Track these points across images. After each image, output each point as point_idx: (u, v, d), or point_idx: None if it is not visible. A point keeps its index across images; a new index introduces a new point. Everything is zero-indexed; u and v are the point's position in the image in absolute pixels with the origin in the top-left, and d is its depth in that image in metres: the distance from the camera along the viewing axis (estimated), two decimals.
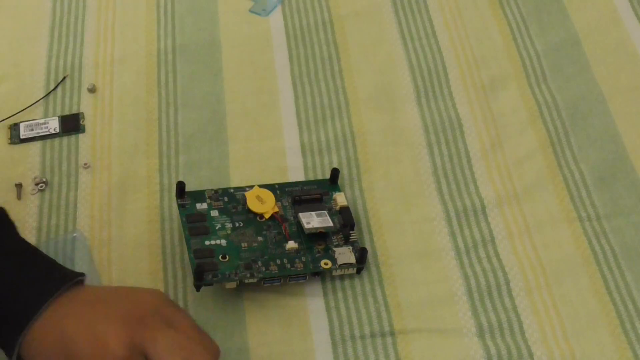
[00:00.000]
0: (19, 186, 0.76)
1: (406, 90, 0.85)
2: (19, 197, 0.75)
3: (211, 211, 0.72)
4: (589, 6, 0.92)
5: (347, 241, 0.72)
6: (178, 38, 0.87)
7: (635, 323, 0.70)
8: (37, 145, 0.79)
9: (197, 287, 0.68)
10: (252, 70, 0.85)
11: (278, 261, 0.70)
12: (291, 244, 0.70)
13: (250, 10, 0.90)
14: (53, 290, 0.59)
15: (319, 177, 0.78)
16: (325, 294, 0.71)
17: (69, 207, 0.75)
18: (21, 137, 0.79)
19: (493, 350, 0.68)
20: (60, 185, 0.77)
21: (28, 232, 0.73)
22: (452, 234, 0.75)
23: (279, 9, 0.91)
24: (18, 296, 0.59)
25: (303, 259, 0.70)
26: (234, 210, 0.72)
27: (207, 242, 0.70)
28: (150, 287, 0.64)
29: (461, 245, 0.74)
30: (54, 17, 0.88)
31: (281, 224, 0.72)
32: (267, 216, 0.72)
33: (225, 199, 0.73)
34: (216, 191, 0.73)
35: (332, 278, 0.72)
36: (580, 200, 0.77)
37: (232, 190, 0.74)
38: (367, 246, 0.73)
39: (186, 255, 0.71)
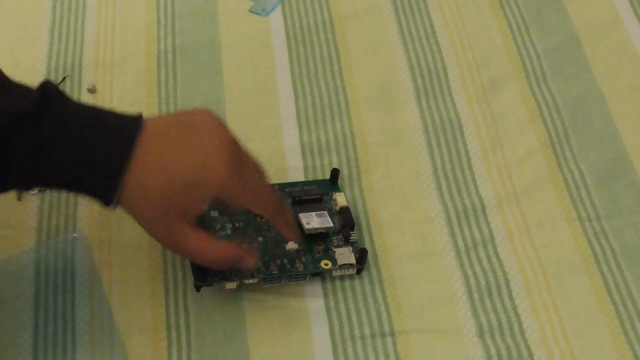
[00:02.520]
0: None
1: (406, 91, 0.85)
2: (19, 197, 0.75)
3: (211, 212, 0.72)
4: (589, 6, 0.92)
5: (347, 242, 0.72)
6: (178, 38, 0.87)
7: (635, 323, 0.70)
8: None
9: (197, 288, 0.68)
10: (252, 70, 0.85)
11: (278, 261, 0.70)
12: (291, 245, 0.70)
13: (250, 10, 0.90)
14: (134, 134, 0.60)
15: (319, 177, 0.78)
16: (325, 295, 0.71)
17: (69, 208, 0.75)
18: None
19: (493, 351, 0.68)
20: None
21: (28, 232, 0.73)
22: (452, 234, 0.75)
23: (279, 9, 0.91)
24: (104, 146, 0.59)
25: (303, 259, 0.70)
26: (234, 210, 0.72)
27: None
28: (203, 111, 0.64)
29: (461, 245, 0.74)
30: (54, 17, 0.88)
31: None
32: None
33: None
34: None
35: (332, 278, 0.72)
36: (580, 200, 0.77)
37: None
38: (367, 247, 0.73)
39: None
